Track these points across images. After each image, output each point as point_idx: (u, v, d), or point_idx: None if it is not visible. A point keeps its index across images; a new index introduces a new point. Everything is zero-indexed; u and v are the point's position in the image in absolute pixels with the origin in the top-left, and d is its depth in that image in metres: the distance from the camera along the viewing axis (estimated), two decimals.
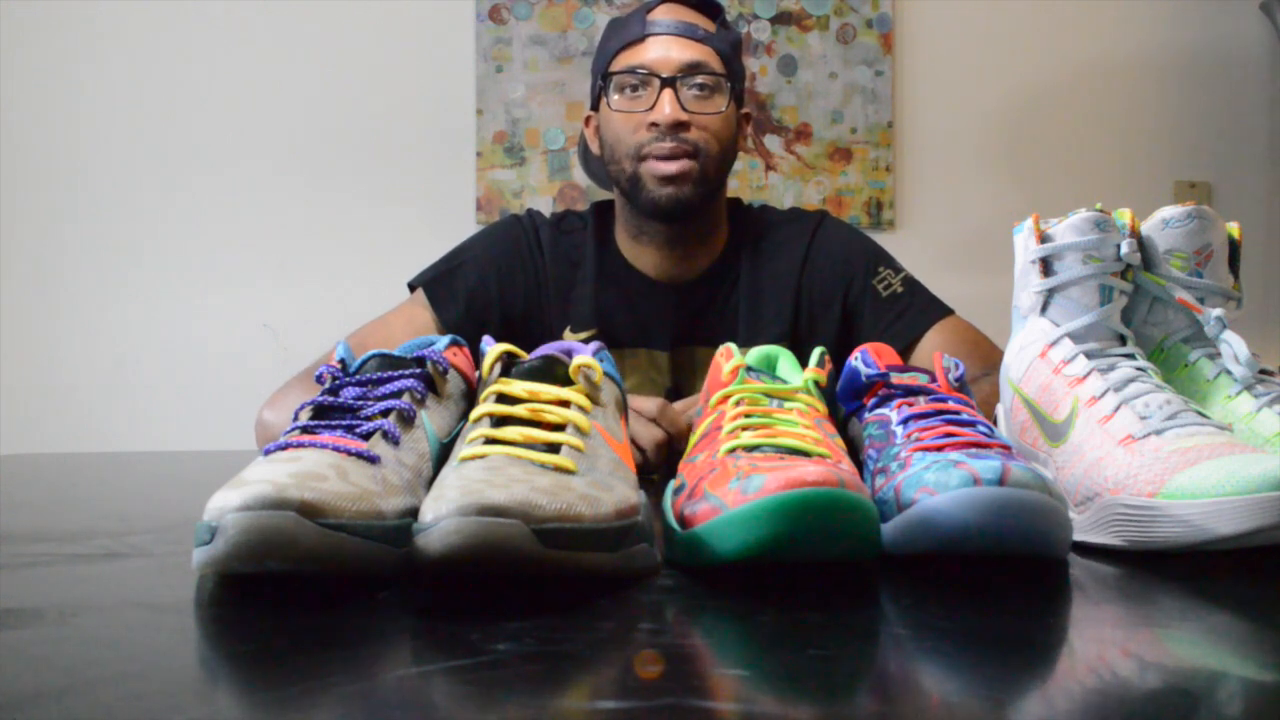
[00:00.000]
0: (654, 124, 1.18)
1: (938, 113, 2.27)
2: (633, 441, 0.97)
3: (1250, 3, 2.28)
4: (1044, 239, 0.70)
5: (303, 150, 2.20)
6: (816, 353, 0.68)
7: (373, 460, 0.52)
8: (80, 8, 2.18)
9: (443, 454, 0.59)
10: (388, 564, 0.49)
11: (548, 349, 0.62)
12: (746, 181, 2.22)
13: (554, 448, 0.53)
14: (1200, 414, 0.62)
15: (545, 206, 2.20)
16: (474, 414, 0.57)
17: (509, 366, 0.60)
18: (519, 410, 0.56)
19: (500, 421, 0.56)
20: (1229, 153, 2.31)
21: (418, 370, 0.61)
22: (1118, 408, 0.63)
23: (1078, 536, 0.59)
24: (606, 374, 0.61)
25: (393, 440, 0.55)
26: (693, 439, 0.65)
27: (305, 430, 0.55)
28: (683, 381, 1.26)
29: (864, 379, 0.68)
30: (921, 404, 0.63)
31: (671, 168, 1.18)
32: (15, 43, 2.18)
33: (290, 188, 2.20)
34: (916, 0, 2.27)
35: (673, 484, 0.60)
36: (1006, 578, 0.52)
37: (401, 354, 0.63)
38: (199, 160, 2.19)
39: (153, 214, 2.19)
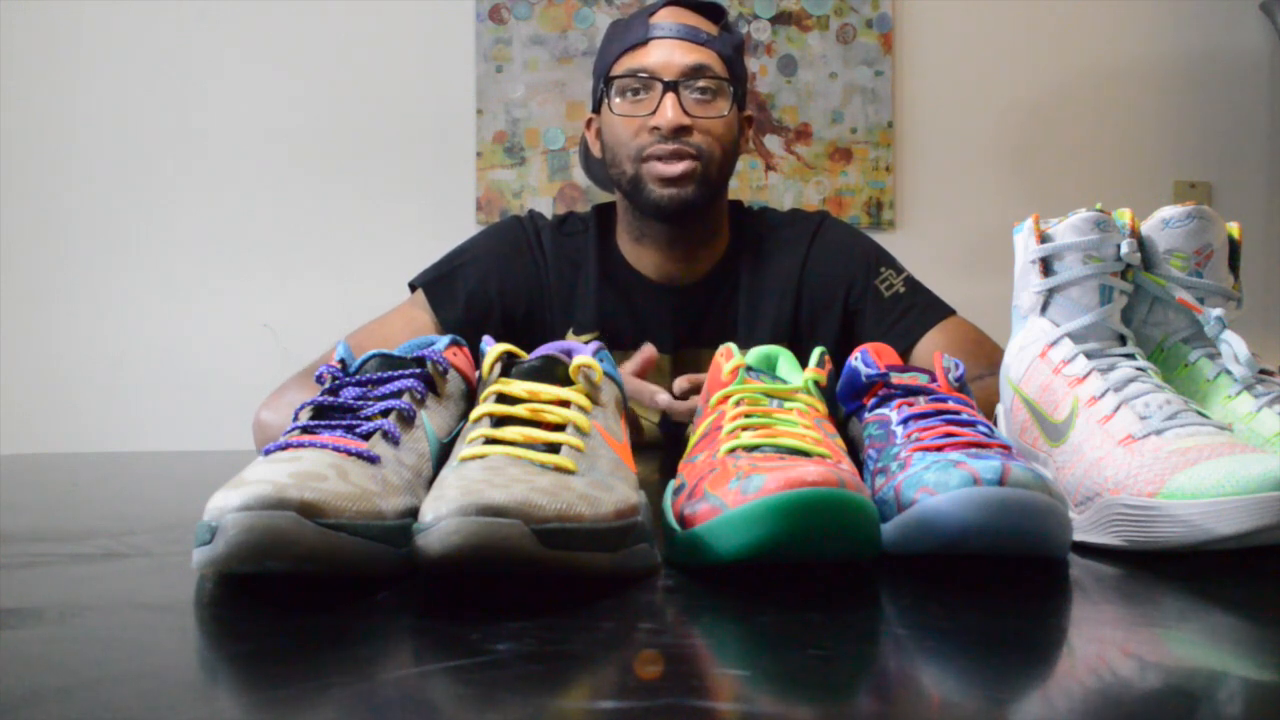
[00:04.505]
0: (656, 127, 1.18)
1: (938, 113, 2.27)
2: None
3: (1250, 3, 2.28)
4: (1044, 239, 0.70)
5: (303, 150, 2.20)
6: (816, 353, 0.68)
7: (373, 460, 0.52)
8: (80, 7, 2.18)
9: (443, 454, 0.59)
10: (388, 564, 0.49)
11: (548, 349, 0.62)
12: (746, 181, 2.22)
13: (554, 448, 0.53)
14: (1200, 414, 0.62)
15: (545, 207, 2.20)
16: (474, 414, 0.57)
17: (509, 366, 0.60)
18: (519, 410, 0.56)
19: (500, 421, 0.56)
20: (1229, 153, 2.31)
21: (418, 370, 0.61)
22: (1118, 408, 0.63)
23: (1078, 536, 0.59)
24: (606, 374, 0.61)
25: (393, 440, 0.55)
26: (693, 439, 0.65)
27: (305, 430, 0.55)
28: None
29: (864, 379, 0.68)
30: (921, 404, 0.63)
31: (673, 170, 1.18)
32: (13, 42, 2.18)
33: (290, 187, 2.20)
34: (916, 0, 2.27)
35: (673, 484, 0.60)
36: (1006, 578, 0.52)
37: (401, 354, 0.63)
38: (199, 160, 2.19)
39: (152, 214, 2.19)
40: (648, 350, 1.10)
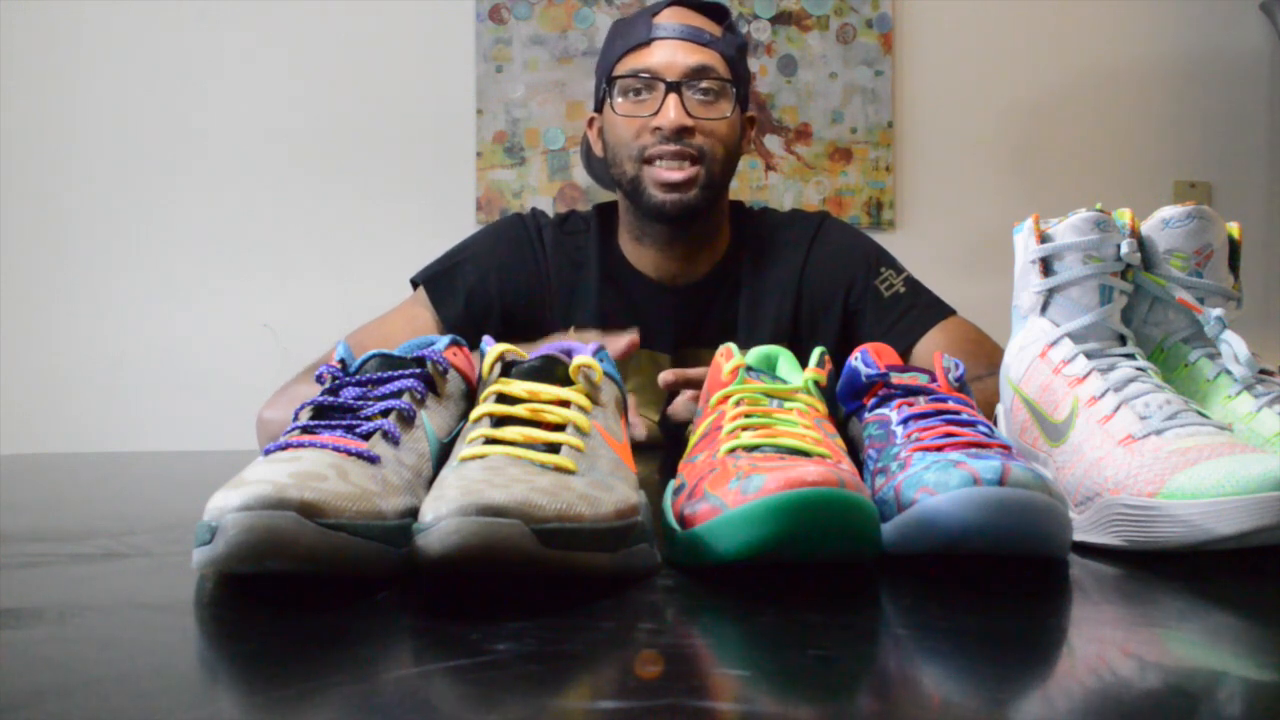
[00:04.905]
0: (658, 128, 1.18)
1: (938, 113, 2.27)
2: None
3: (1250, 3, 2.28)
4: (1044, 239, 0.70)
5: (303, 150, 2.20)
6: (816, 353, 0.68)
7: (373, 460, 0.52)
8: (80, 7, 2.18)
9: (443, 454, 0.59)
10: (388, 564, 0.49)
11: (548, 349, 0.62)
12: (746, 182, 2.22)
13: (554, 448, 0.53)
14: (1200, 414, 0.62)
15: (545, 206, 2.20)
16: (474, 414, 0.57)
17: (509, 366, 0.60)
18: (519, 410, 0.56)
19: (500, 421, 0.56)
20: (1229, 153, 2.31)
21: (418, 370, 0.61)
22: (1118, 408, 0.63)
23: (1078, 536, 0.59)
24: (606, 374, 0.61)
25: (393, 440, 0.55)
26: (693, 439, 0.65)
27: (305, 430, 0.55)
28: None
29: (864, 379, 0.68)
30: (921, 404, 0.63)
31: (675, 175, 1.18)
32: (13, 42, 2.18)
33: (290, 187, 2.20)
34: (916, 0, 2.27)
35: (673, 484, 0.60)
36: (1006, 578, 0.52)
37: (401, 354, 0.63)
38: (199, 160, 2.19)
39: (153, 213, 2.19)
40: (631, 335, 1.06)
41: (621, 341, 1.06)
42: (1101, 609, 0.50)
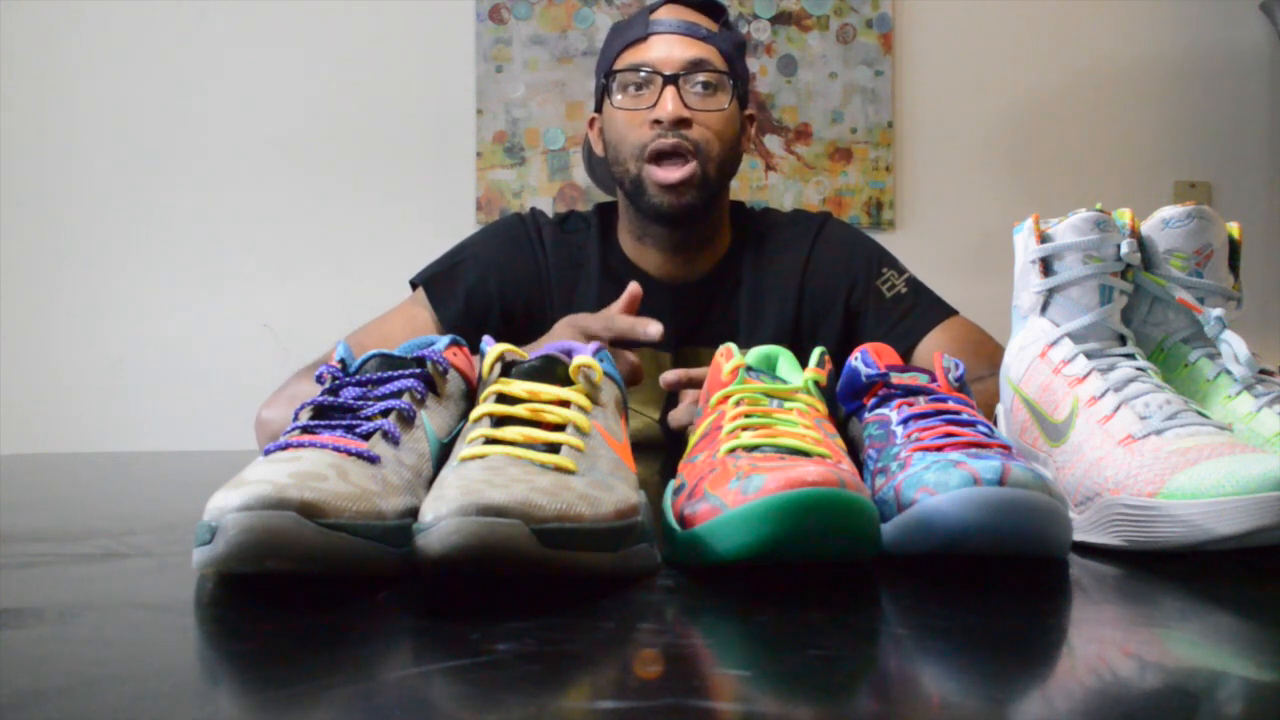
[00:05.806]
0: (656, 121, 1.18)
1: (938, 113, 2.27)
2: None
3: (1250, 3, 2.28)
4: (1044, 239, 0.70)
5: (303, 150, 2.20)
6: (816, 353, 0.68)
7: (373, 460, 0.52)
8: (80, 7, 2.18)
9: (443, 454, 0.59)
10: (388, 564, 0.49)
11: (548, 349, 0.62)
12: (747, 181, 2.22)
13: (554, 448, 0.53)
14: (1200, 414, 0.62)
15: (545, 207, 2.20)
16: (474, 414, 0.57)
17: (509, 366, 0.60)
18: (519, 410, 0.56)
19: (500, 421, 0.56)
20: (1229, 153, 2.31)
21: (418, 370, 0.61)
22: (1118, 408, 0.63)
23: (1078, 536, 0.59)
24: (606, 374, 0.61)
25: (393, 440, 0.55)
26: (693, 439, 0.65)
27: (305, 430, 0.55)
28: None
29: (864, 379, 0.68)
30: (921, 404, 0.63)
31: (674, 175, 1.18)
32: (14, 42, 2.18)
33: (290, 187, 2.20)
34: (916, 0, 2.27)
35: (673, 484, 0.60)
36: (1006, 578, 0.52)
37: (401, 354, 0.63)
38: (198, 160, 2.19)
39: (152, 214, 2.19)
40: (633, 287, 1.05)
41: (625, 367, 1.04)
42: (1101, 609, 0.50)
